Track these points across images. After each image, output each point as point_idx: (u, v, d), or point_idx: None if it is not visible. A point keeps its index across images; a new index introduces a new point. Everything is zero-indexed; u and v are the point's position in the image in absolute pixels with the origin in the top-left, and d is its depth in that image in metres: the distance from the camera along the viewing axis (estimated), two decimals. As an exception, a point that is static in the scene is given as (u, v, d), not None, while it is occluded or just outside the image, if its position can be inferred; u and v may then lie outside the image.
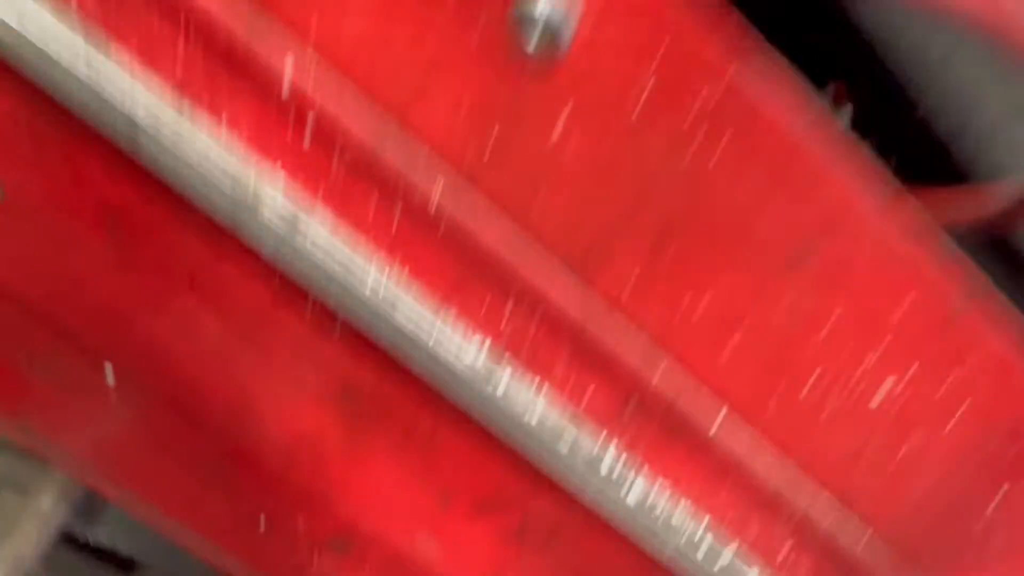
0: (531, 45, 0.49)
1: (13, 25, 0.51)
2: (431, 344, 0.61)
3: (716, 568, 0.72)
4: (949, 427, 0.60)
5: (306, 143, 0.53)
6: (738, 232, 0.54)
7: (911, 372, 0.58)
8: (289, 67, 0.53)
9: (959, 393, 0.59)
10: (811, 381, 0.60)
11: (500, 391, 0.63)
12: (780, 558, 0.73)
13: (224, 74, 0.54)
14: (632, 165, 0.53)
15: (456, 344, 0.62)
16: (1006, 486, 0.64)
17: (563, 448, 0.68)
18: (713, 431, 0.64)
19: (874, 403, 0.60)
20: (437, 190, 0.56)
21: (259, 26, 0.52)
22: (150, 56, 0.54)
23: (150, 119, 0.54)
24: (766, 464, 0.65)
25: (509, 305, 0.61)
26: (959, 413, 0.60)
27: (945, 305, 0.55)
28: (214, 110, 0.55)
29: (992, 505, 0.65)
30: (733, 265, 0.55)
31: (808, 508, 0.67)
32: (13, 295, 0.73)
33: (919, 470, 0.63)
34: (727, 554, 0.72)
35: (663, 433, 0.66)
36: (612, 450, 0.67)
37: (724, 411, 0.63)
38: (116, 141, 0.58)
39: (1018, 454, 0.63)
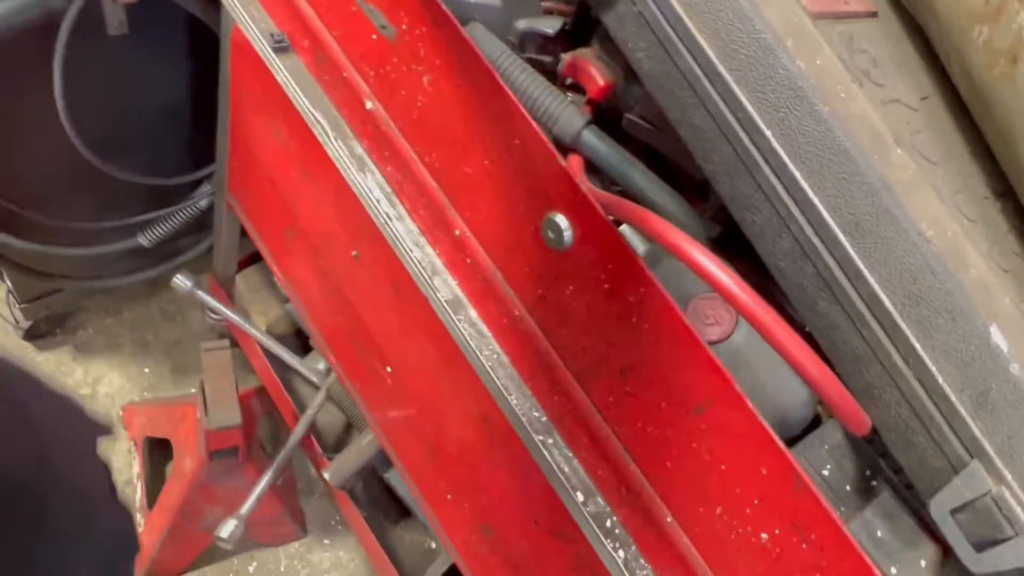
0: (550, 239, 0.82)
1: None
2: (513, 404, 0.96)
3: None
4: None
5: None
6: (665, 378, 0.79)
7: (777, 526, 0.73)
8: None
9: (817, 555, 0.71)
10: (719, 511, 0.78)
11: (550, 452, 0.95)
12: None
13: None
14: (603, 319, 0.82)
15: (528, 407, 0.96)
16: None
17: (583, 501, 0.95)
18: (666, 526, 0.86)
19: (763, 539, 0.75)
20: (515, 307, 0.92)
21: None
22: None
23: None
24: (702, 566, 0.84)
25: (554, 394, 0.93)
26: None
27: (789, 478, 0.70)
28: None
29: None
30: (666, 400, 0.79)
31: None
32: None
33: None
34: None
35: (643, 517, 0.90)
36: (612, 513, 0.93)
37: (669, 516, 0.84)
38: None
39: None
